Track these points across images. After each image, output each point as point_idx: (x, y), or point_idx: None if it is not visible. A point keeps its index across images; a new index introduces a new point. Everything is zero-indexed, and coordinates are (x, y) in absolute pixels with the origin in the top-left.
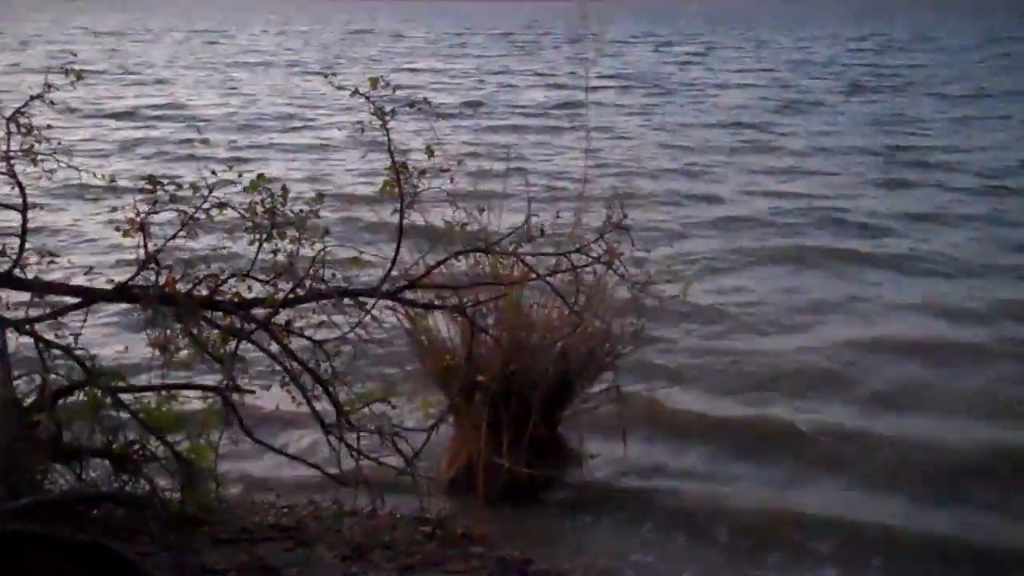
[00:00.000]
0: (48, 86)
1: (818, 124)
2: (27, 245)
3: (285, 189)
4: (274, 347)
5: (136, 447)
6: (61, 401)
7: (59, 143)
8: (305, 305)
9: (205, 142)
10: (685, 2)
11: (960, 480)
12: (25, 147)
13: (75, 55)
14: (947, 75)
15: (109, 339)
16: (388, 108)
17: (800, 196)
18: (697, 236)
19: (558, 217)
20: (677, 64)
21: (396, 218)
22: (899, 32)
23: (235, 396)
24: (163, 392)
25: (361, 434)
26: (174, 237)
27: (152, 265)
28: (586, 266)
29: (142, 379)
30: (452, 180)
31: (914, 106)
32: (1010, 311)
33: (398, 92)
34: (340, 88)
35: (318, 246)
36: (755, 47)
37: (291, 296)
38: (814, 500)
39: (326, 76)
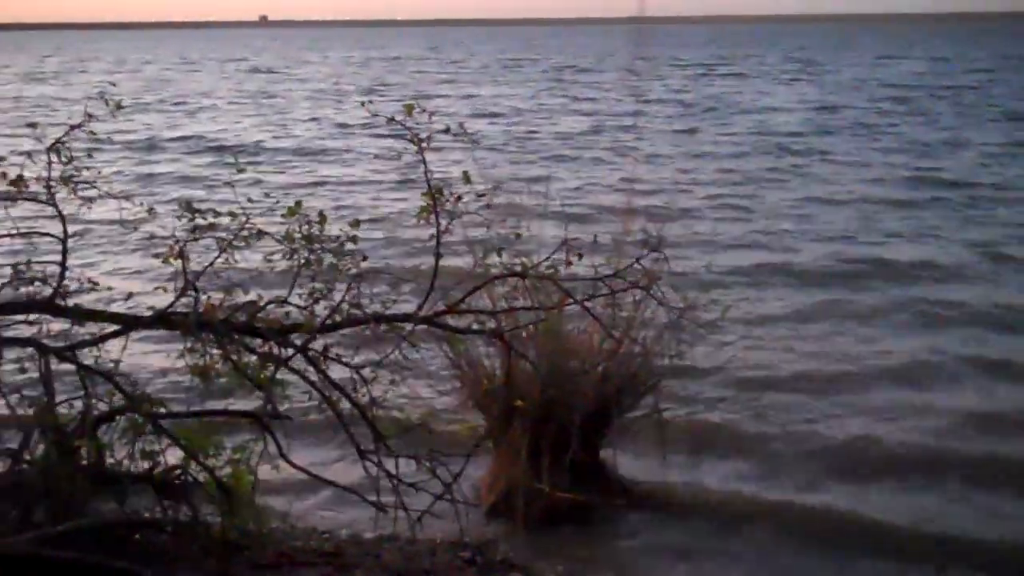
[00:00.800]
0: (89, 116)
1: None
2: (67, 272)
3: (323, 215)
4: (313, 373)
5: (177, 472)
6: (103, 427)
7: (99, 172)
8: (344, 331)
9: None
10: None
11: None
12: (64, 176)
13: (114, 84)
14: None
15: (149, 365)
16: (424, 135)
17: None
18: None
19: (595, 241)
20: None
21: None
22: None
23: (274, 422)
24: (203, 418)
25: (400, 459)
26: (212, 264)
27: (191, 292)
28: (624, 290)
29: (182, 405)
30: (489, 206)
31: None
32: None
33: (435, 118)
34: (375, 115)
35: (356, 272)
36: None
37: (328, 322)
38: (866, 513)
39: (363, 104)
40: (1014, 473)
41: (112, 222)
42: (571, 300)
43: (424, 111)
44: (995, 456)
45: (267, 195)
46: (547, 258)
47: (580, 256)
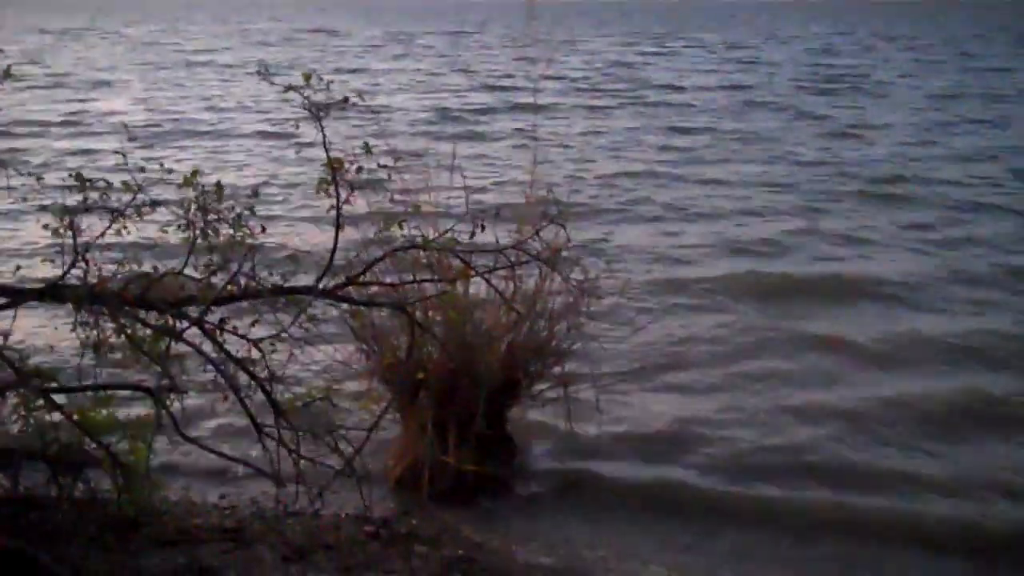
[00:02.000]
0: None
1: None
2: None
3: (219, 185)
4: (211, 347)
5: (72, 449)
6: None
7: None
8: (242, 304)
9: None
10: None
11: None
12: None
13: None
14: None
15: (40, 340)
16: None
17: None
18: (632, 230)
19: (497, 214)
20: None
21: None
22: None
23: (171, 397)
24: (97, 393)
25: (303, 434)
26: (103, 235)
27: (81, 264)
28: (526, 262)
29: (75, 381)
30: (390, 176)
31: None
32: None
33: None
34: (272, 84)
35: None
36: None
37: (224, 294)
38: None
39: (259, 73)
40: None
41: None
42: (472, 272)
43: (323, 80)
44: None
45: (161, 165)
46: (448, 229)
47: (483, 227)
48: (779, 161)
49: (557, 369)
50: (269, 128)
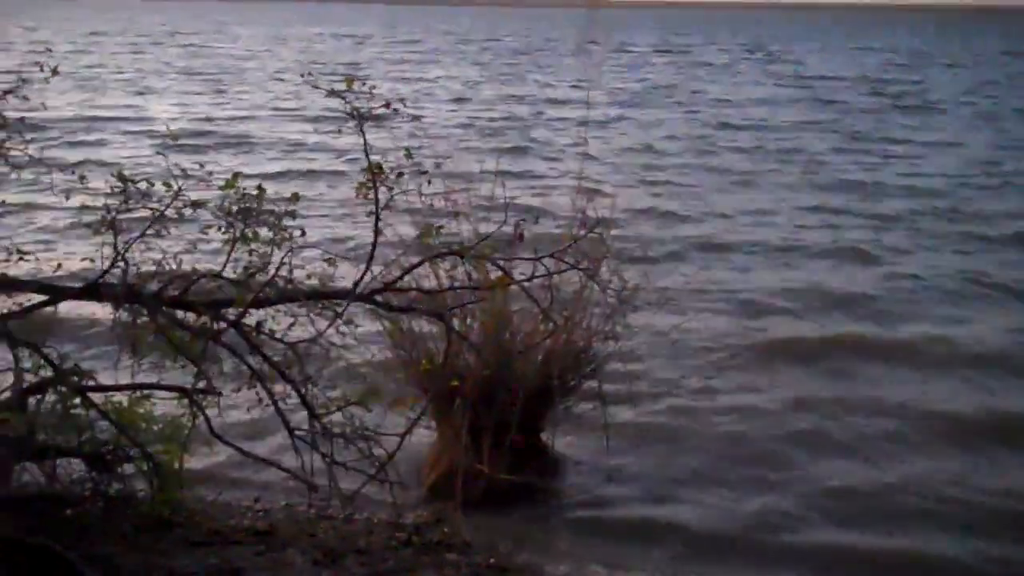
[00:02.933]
0: (23, 80)
1: None
2: None
3: (261, 188)
4: (247, 349)
5: (108, 447)
6: (32, 400)
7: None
8: (281, 307)
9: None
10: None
11: None
12: None
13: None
14: None
15: (79, 337)
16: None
17: None
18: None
19: (536, 222)
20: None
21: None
22: None
23: (207, 398)
24: (134, 392)
25: (337, 439)
26: (143, 235)
27: (120, 263)
28: (563, 271)
29: (112, 380)
30: (430, 182)
31: None
32: None
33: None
34: (316, 87)
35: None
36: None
37: (262, 296)
38: (800, 511)
39: (302, 76)
40: None
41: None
42: (510, 280)
43: (365, 86)
44: None
45: (200, 166)
46: (486, 236)
47: (522, 237)
48: None
49: (594, 380)
50: (311, 132)
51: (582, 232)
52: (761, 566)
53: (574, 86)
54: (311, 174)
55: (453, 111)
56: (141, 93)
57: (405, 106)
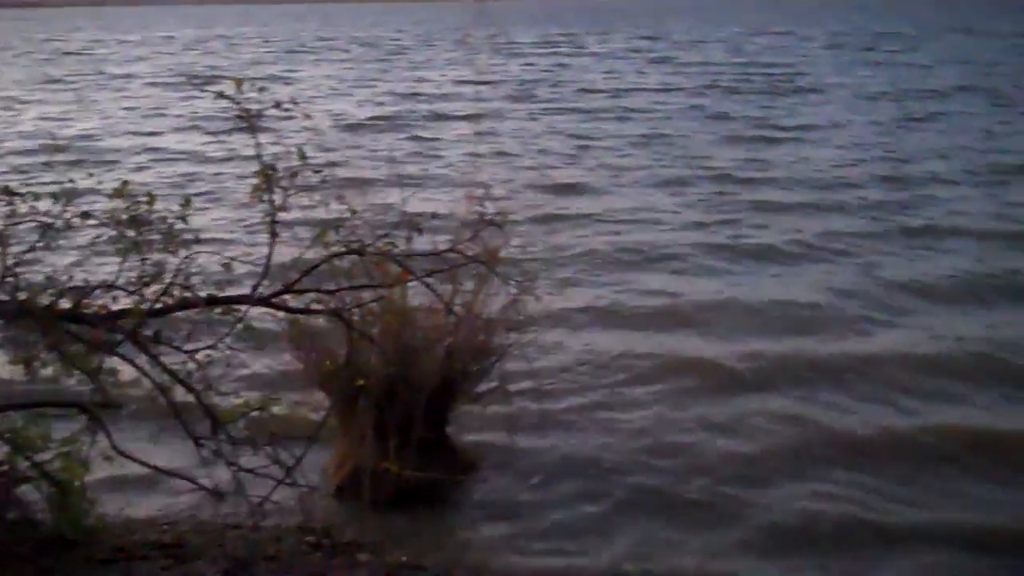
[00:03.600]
0: None
1: None
2: None
3: (151, 196)
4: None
5: (4, 468)
6: None
7: None
8: (177, 315)
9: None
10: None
11: None
12: None
13: None
14: None
15: None
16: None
17: None
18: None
19: (433, 217)
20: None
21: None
22: None
23: (105, 412)
24: (28, 410)
25: (241, 445)
26: (32, 249)
27: (10, 278)
28: (463, 265)
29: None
30: (325, 180)
31: None
32: None
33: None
34: (204, 90)
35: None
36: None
37: (159, 306)
38: (706, 497)
39: (188, 80)
40: None
41: None
42: (411, 276)
43: (255, 86)
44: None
45: (90, 175)
46: (385, 234)
47: (420, 232)
48: None
49: (497, 372)
50: (201, 137)
51: (480, 226)
52: (670, 549)
53: (461, 81)
54: (204, 177)
55: (342, 109)
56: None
57: (297, 105)
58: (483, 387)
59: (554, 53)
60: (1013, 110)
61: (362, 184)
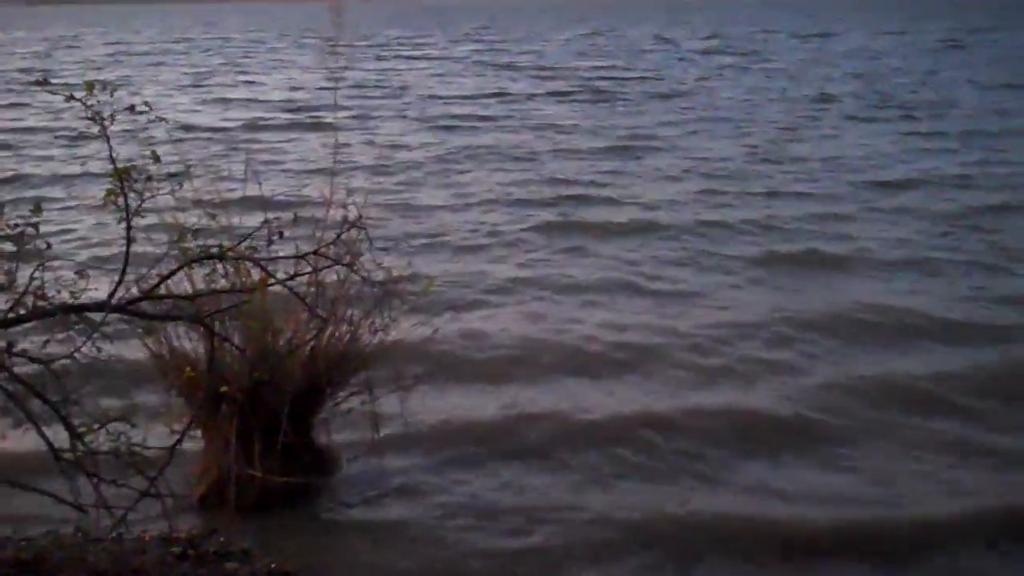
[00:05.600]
0: None
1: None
2: None
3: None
4: None
5: None
6: None
7: None
8: (29, 325)
9: None
10: None
11: None
12: None
13: None
14: None
15: None
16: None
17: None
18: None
19: (295, 220)
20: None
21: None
22: None
23: None
24: None
25: (104, 456)
26: None
27: None
28: (326, 268)
29: None
30: (181, 185)
31: None
32: None
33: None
34: (54, 93)
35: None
36: None
37: (11, 316)
38: (578, 497)
39: (40, 83)
40: None
41: None
42: (272, 280)
43: (106, 89)
44: None
45: None
46: (246, 238)
47: (281, 235)
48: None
49: (362, 373)
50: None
51: (343, 227)
52: (532, 541)
53: (318, 85)
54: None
55: (194, 111)
56: None
57: (150, 107)
58: (348, 389)
59: (398, 57)
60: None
61: (220, 187)
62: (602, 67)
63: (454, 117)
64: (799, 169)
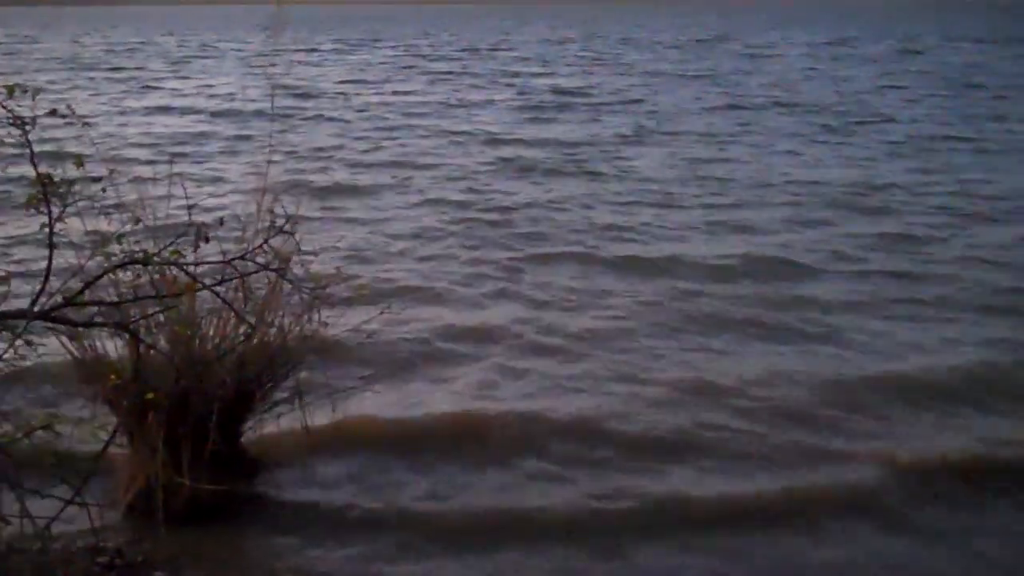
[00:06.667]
0: None
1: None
2: None
3: None
4: None
5: None
6: None
7: None
8: None
9: None
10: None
11: None
12: None
13: None
14: None
15: None
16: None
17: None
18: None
19: (222, 223)
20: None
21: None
22: None
23: None
24: None
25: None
26: None
27: None
28: (254, 273)
29: None
30: (104, 190)
31: None
32: None
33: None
34: None
35: None
36: None
37: None
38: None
39: None
40: None
41: None
42: (199, 285)
43: (27, 92)
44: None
45: None
46: (171, 243)
47: (207, 239)
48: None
49: (292, 378)
50: None
51: (271, 232)
52: (473, 552)
53: (249, 88)
54: None
55: (120, 119)
56: None
57: (73, 111)
58: (278, 395)
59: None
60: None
61: (144, 192)
62: (520, 69)
63: (391, 126)
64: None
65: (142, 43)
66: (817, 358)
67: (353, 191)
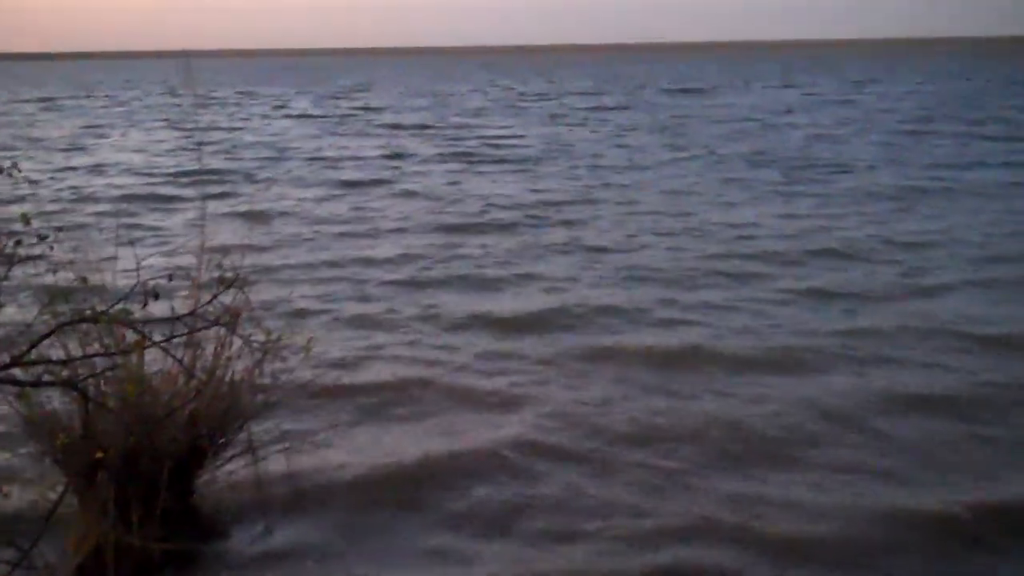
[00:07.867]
0: None
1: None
2: None
3: None
4: None
5: None
6: None
7: None
8: None
9: None
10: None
11: None
12: None
13: None
14: None
15: None
16: None
17: None
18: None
19: (171, 280)
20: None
21: None
22: None
23: None
24: None
25: None
26: None
27: None
28: (204, 328)
29: None
30: (52, 248)
31: None
32: None
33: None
34: None
35: None
36: None
37: None
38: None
39: None
40: None
41: None
42: (149, 343)
43: None
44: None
45: None
46: (120, 300)
47: (156, 296)
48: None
49: (243, 434)
50: None
51: (219, 288)
52: None
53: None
54: None
55: (60, 175)
56: None
57: (18, 169)
58: (230, 451)
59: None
60: None
61: (91, 253)
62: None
63: (339, 181)
64: None
65: (76, 96)
66: None
67: (303, 246)
